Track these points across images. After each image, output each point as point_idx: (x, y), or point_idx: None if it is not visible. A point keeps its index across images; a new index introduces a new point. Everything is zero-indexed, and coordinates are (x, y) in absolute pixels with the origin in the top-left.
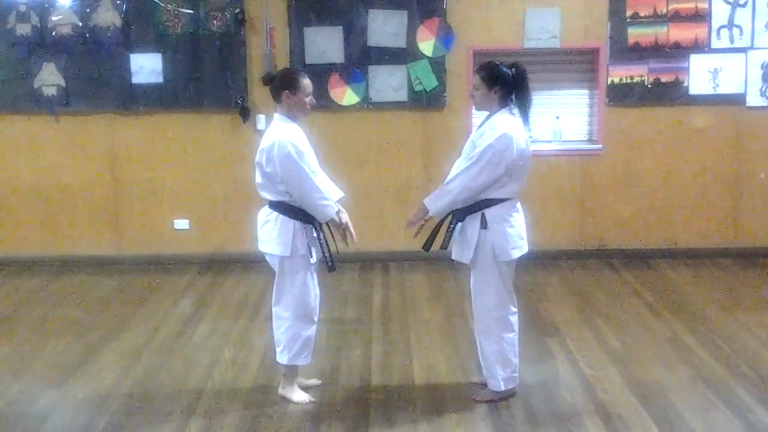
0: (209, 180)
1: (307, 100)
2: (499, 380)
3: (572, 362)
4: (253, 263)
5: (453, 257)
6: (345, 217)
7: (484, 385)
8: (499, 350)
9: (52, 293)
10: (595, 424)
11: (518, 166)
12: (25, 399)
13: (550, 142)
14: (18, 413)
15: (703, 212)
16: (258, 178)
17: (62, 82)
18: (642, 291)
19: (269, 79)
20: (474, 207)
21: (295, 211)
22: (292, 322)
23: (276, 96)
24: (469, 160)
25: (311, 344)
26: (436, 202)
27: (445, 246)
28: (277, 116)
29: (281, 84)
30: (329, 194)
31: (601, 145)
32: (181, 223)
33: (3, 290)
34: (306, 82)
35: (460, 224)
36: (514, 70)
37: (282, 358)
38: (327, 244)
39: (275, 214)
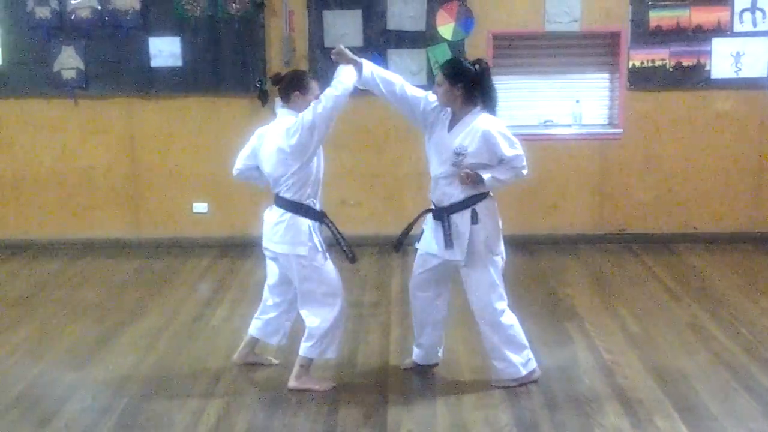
0: (228, 163)
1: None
2: (518, 365)
3: (592, 347)
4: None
5: (442, 256)
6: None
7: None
8: (509, 337)
9: (71, 276)
10: (615, 409)
11: None
12: (45, 381)
13: (570, 126)
14: (38, 395)
15: (724, 196)
16: (277, 169)
17: (81, 66)
18: (662, 275)
19: (278, 80)
20: (464, 203)
21: (306, 209)
22: (328, 318)
23: (285, 96)
24: (511, 170)
25: (341, 335)
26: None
27: (449, 246)
28: (283, 110)
29: (292, 84)
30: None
31: (621, 130)
32: (200, 207)
33: (22, 273)
34: (315, 84)
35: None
36: (477, 66)
37: (311, 352)
38: (343, 238)
39: (288, 214)
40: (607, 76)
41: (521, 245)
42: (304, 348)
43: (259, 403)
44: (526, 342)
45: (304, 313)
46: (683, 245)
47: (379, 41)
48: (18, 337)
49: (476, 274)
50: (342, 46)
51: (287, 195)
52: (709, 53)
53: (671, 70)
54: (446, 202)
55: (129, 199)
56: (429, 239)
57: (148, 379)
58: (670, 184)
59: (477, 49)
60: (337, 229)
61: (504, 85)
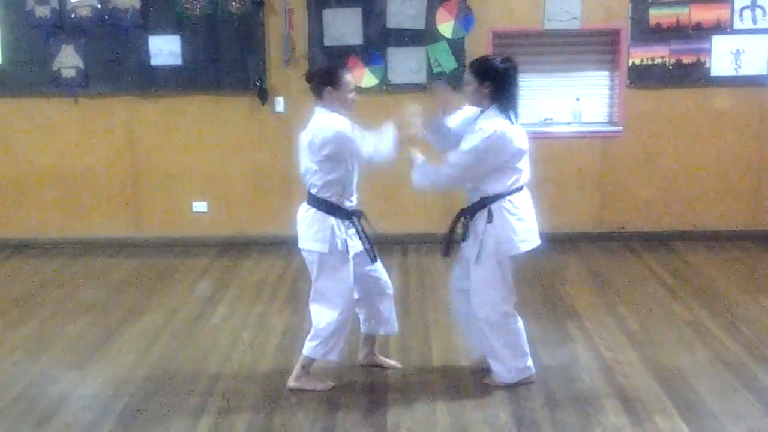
0: (228, 162)
1: (350, 96)
2: (511, 370)
3: (592, 345)
4: (271, 246)
5: (465, 254)
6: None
7: (488, 370)
8: (510, 341)
9: (71, 275)
10: (615, 407)
11: (513, 162)
12: (45, 380)
13: (570, 124)
14: (37, 395)
15: (724, 195)
16: (307, 165)
17: (81, 65)
18: (662, 274)
19: (311, 76)
20: (483, 202)
21: (332, 207)
22: (335, 319)
23: (318, 92)
24: (463, 154)
25: (345, 339)
26: (423, 177)
27: (465, 238)
28: (319, 109)
29: (324, 80)
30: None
31: (621, 127)
32: (200, 206)
33: (22, 272)
34: (349, 78)
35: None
36: (506, 64)
37: (315, 352)
38: (367, 237)
39: (313, 210)
40: (607, 74)
41: None
42: (308, 347)
43: (258, 403)
44: (527, 349)
45: (313, 309)
46: (683, 243)
47: (379, 39)
48: (18, 336)
49: (482, 271)
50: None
51: (314, 191)
52: (709, 51)
53: (671, 67)
54: (470, 202)
55: (129, 198)
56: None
57: (148, 378)
58: (670, 182)
59: (477, 47)
60: (363, 229)
61: None
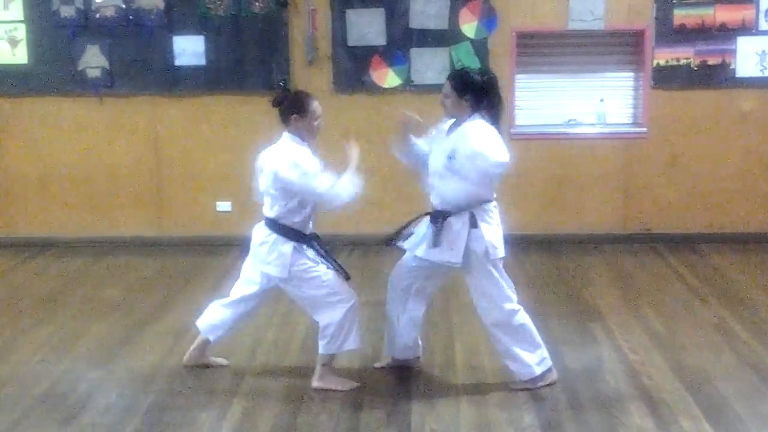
0: (251, 162)
1: (316, 124)
2: (531, 365)
3: (616, 347)
4: None
5: (433, 259)
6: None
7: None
8: (521, 337)
9: (96, 274)
10: (640, 410)
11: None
12: (70, 379)
13: (593, 125)
14: (63, 393)
15: (749, 196)
16: (266, 190)
17: (106, 65)
18: (687, 276)
19: (278, 102)
20: (462, 206)
21: (291, 232)
22: (336, 314)
23: (284, 118)
24: (464, 180)
25: (356, 327)
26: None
27: (437, 244)
28: (286, 135)
29: (290, 106)
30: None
31: (646, 129)
32: (224, 205)
33: (48, 271)
34: (315, 105)
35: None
36: (485, 77)
37: (329, 348)
38: (331, 257)
39: (274, 235)
40: (631, 74)
41: (545, 245)
42: (321, 346)
43: (282, 402)
44: (540, 341)
45: (316, 317)
46: (709, 245)
47: (402, 40)
48: (43, 334)
49: (478, 278)
50: (414, 117)
51: (273, 216)
52: (734, 52)
53: (696, 68)
54: (442, 207)
55: (153, 197)
56: (414, 240)
57: (172, 376)
58: (695, 184)
59: (500, 48)
60: (326, 251)
61: (527, 84)
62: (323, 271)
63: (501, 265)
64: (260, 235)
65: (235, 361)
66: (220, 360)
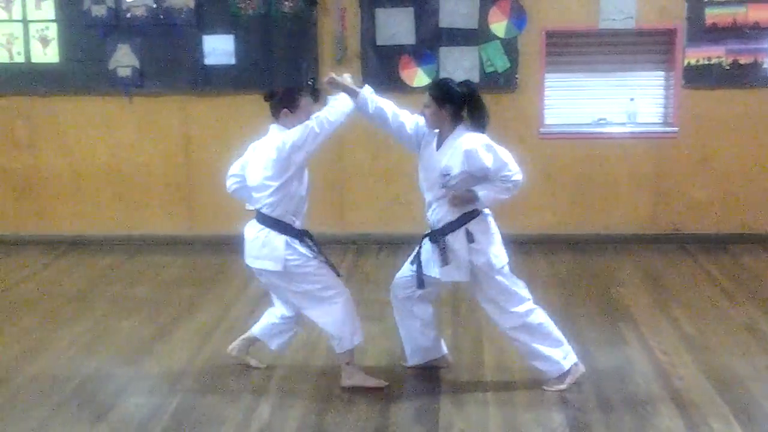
0: None
1: (306, 120)
2: (558, 361)
3: (646, 348)
4: (324, 244)
5: (444, 279)
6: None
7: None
8: (542, 335)
9: (126, 272)
10: (670, 411)
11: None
12: (100, 376)
13: (624, 124)
14: (94, 390)
15: None
16: (258, 183)
17: (136, 64)
18: (718, 276)
19: (270, 95)
20: (457, 222)
21: (283, 226)
22: (335, 311)
23: (275, 112)
24: (500, 182)
25: (356, 318)
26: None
27: (447, 262)
28: (274, 126)
29: (281, 101)
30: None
31: (677, 128)
32: None
33: (78, 268)
34: (306, 102)
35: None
36: (464, 88)
37: (342, 346)
38: (323, 253)
39: (266, 230)
40: (662, 74)
41: (574, 244)
42: (335, 347)
43: (310, 401)
44: (561, 337)
45: (312, 315)
46: (739, 246)
47: (432, 39)
48: (74, 331)
49: (486, 290)
50: (334, 75)
51: (266, 211)
52: (766, 51)
53: (727, 68)
54: (441, 224)
55: (183, 196)
56: (426, 261)
57: (202, 374)
58: (726, 184)
59: (530, 47)
60: (319, 248)
61: (557, 83)
62: (316, 266)
63: (507, 269)
64: (252, 231)
65: (264, 360)
66: (255, 362)
